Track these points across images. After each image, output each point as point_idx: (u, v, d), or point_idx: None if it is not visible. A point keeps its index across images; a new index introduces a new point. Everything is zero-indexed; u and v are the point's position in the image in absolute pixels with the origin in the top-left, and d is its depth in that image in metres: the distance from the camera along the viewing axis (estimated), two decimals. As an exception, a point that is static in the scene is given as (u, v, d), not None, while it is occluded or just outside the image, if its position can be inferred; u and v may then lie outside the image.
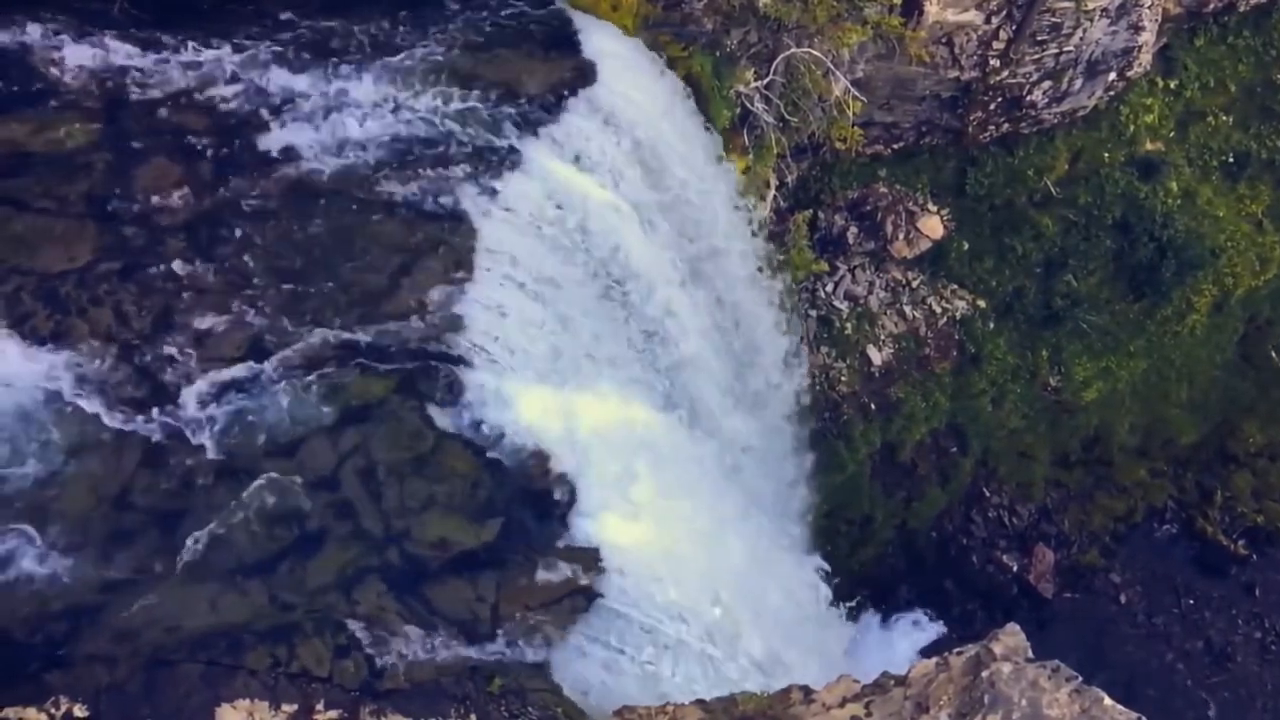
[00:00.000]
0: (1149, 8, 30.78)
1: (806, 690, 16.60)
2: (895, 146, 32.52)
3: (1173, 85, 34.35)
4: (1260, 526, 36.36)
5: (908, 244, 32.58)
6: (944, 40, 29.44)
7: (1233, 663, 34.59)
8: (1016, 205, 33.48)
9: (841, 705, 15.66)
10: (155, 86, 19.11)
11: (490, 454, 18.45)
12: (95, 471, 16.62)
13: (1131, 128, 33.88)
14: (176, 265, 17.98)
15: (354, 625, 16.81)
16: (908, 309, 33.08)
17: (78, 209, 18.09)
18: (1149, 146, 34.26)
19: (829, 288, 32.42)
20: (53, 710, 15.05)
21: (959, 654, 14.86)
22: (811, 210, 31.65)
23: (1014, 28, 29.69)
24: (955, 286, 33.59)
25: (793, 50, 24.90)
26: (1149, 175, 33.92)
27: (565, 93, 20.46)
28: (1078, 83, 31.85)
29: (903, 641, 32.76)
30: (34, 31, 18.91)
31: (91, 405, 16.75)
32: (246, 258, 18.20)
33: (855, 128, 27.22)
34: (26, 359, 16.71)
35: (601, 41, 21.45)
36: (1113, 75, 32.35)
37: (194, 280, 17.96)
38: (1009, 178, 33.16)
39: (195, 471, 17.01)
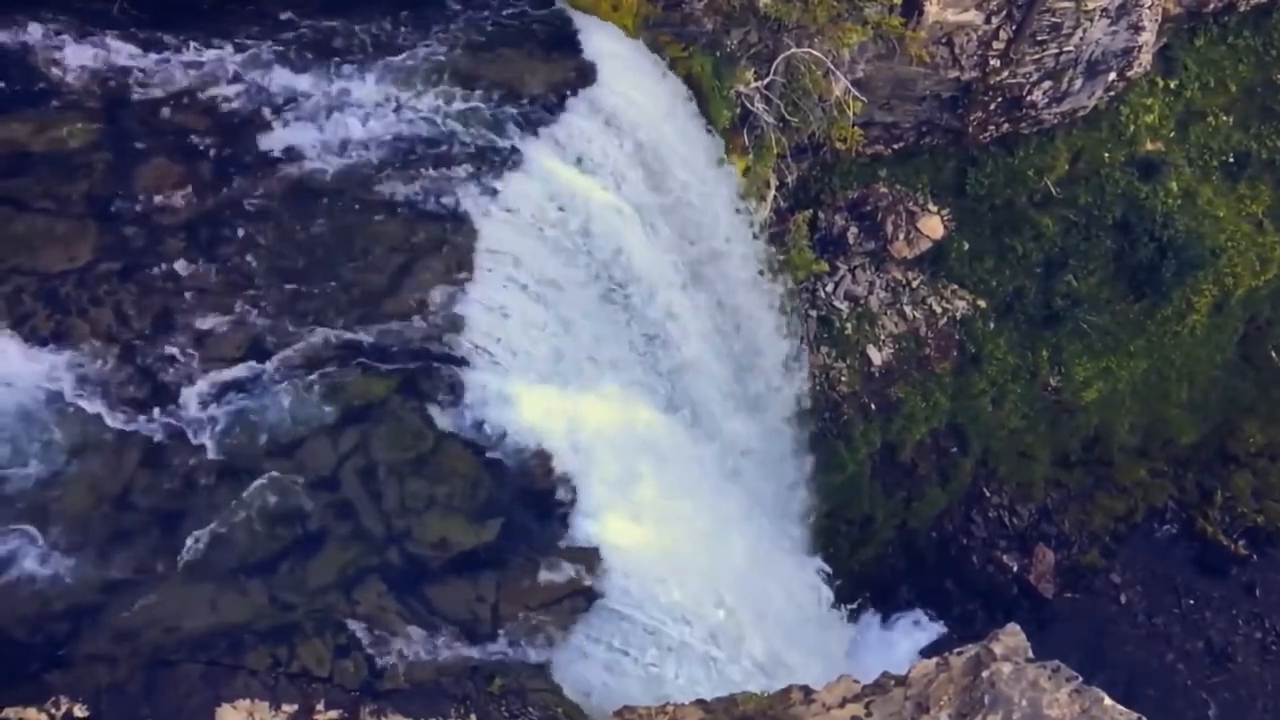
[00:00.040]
0: (1149, 8, 30.78)
1: (807, 690, 16.60)
2: (895, 146, 32.52)
3: (1173, 85, 34.35)
4: (1260, 526, 36.35)
5: (908, 244, 32.59)
6: (944, 40, 29.44)
7: (1233, 663, 34.59)
8: (1017, 205, 33.49)
9: (841, 705, 15.66)
10: (156, 86, 19.12)
11: (491, 454, 18.44)
12: (96, 471, 16.62)
13: (1132, 128, 33.88)
14: (177, 265, 17.98)
15: (354, 625, 16.80)
16: (908, 309, 33.09)
17: (78, 209, 18.09)
18: (1149, 146, 34.27)
19: (829, 288, 32.42)
20: (53, 710, 15.05)
21: (959, 654, 14.86)
22: (812, 210, 31.66)
23: (1014, 28, 29.69)
24: (955, 286, 33.59)
25: (793, 50, 24.90)
26: (1149, 175, 33.93)
27: (566, 93, 20.47)
28: (1078, 83, 31.85)
29: (903, 641, 32.76)
30: (34, 31, 18.91)
31: (92, 405, 16.76)
32: (247, 258, 18.20)
33: (855, 128, 27.21)
34: (27, 359, 16.71)
35: (602, 42, 21.46)
36: (1113, 75, 32.36)
37: (194, 280, 17.96)
38: (1009, 178, 33.16)
39: (196, 471, 17.01)
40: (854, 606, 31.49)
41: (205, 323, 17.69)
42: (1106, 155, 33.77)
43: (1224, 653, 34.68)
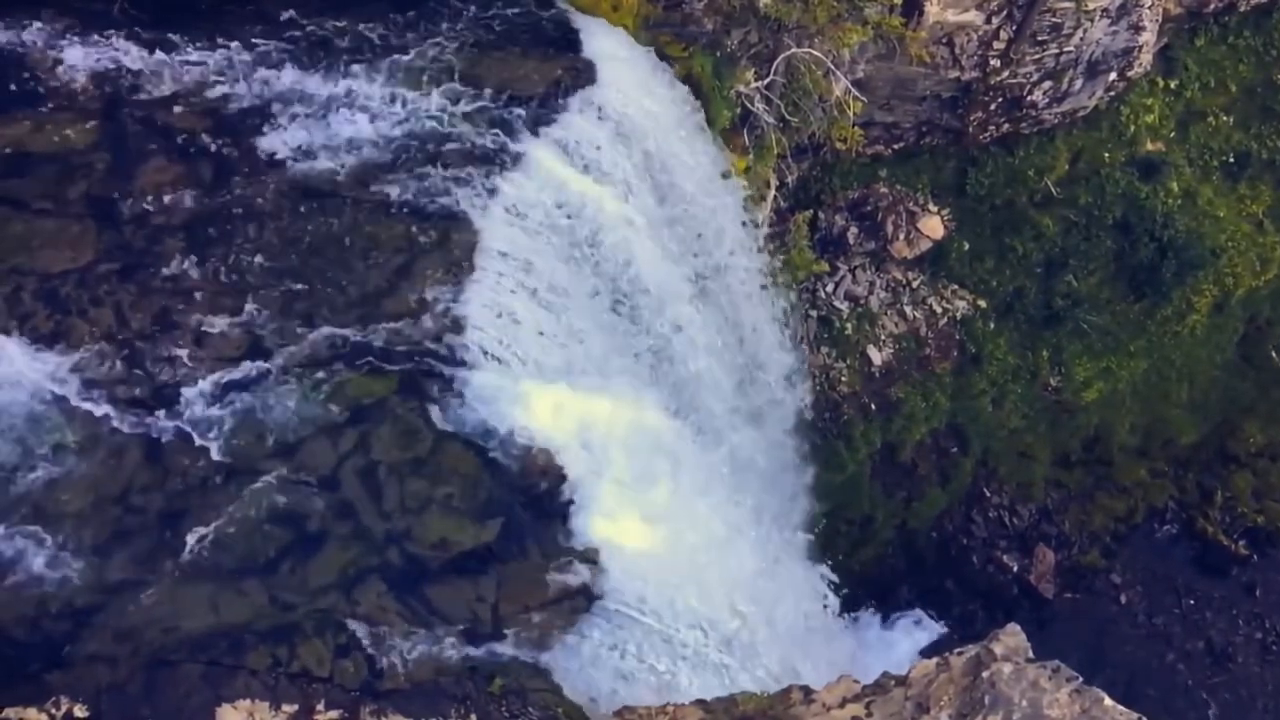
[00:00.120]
0: (1149, 8, 30.78)
1: (807, 690, 16.59)
2: (896, 146, 32.52)
3: (1173, 85, 34.35)
4: (1261, 527, 36.33)
5: (908, 244, 32.58)
6: (944, 40, 29.44)
7: (1233, 663, 34.58)
8: (1017, 205, 33.48)
9: (842, 705, 15.66)
10: (156, 86, 19.12)
11: (492, 454, 18.41)
12: (96, 471, 16.62)
13: (1132, 128, 33.88)
14: (176, 265, 17.99)
15: (354, 625, 16.80)
16: (908, 309, 33.08)
17: (78, 209, 18.09)
18: (1149, 146, 34.26)
19: (829, 288, 32.42)
20: (53, 710, 15.05)
21: (959, 654, 14.86)
22: (812, 210, 31.66)
23: (1014, 28, 29.69)
24: (956, 286, 33.58)
25: (793, 50, 24.89)
26: (1149, 175, 33.92)
27: (566, 93, 20.43)
28: (1078, 83, 31.85)
29: (903, 641, 32.73)
30: (34, 31, 18.91)
31: (92, 405, 16.76)
32: (247, 258, 18.19)
33: (855, 128, 27.22)
34: (29, 360, 16.70)
35: (602, 42, 21.43)
36: (1113, 75, 32.35)
37: (194, 280, 17.96)
38: (1009, 178, 33.16)
39: (196, 471, 17.00)
40: (857, 615, 31.58)
41: (205, 323, 17.68)
42: (1107, 155, 33.76)
43: (1224, 653, 34.67)
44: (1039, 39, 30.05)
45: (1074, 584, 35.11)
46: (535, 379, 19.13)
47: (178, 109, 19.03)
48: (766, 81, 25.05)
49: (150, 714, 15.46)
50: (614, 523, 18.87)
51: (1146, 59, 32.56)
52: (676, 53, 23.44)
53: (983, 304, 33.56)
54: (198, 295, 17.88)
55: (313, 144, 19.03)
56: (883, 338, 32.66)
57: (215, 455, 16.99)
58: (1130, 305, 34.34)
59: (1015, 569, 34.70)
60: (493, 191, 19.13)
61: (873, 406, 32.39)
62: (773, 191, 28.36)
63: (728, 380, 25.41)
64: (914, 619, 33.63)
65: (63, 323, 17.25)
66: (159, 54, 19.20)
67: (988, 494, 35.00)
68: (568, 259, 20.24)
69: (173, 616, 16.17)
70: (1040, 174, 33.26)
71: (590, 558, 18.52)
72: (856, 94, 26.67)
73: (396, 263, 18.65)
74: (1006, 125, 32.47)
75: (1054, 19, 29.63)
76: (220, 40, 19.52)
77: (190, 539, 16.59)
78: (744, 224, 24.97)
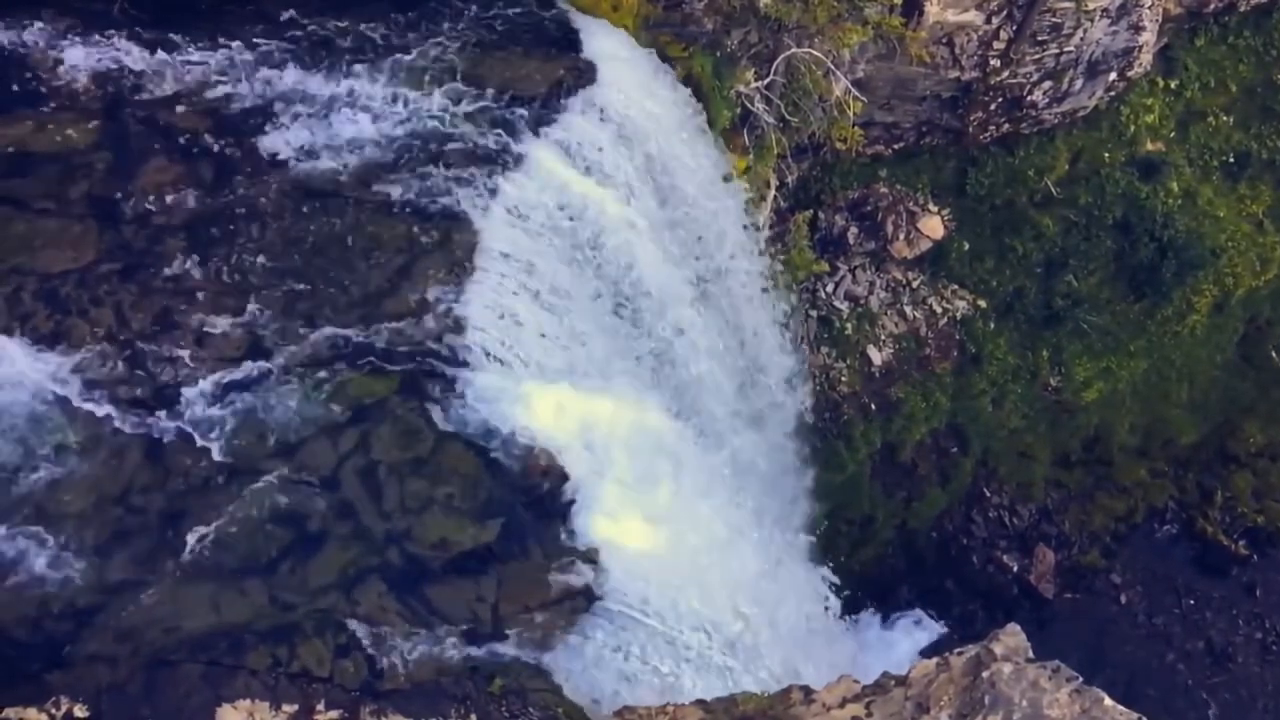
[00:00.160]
0: (1149, 8, 30.79)
1: (807, 690, 16.59)
2: (896, 146, 32.52)
3: (1173, 85, 34.35)
4: (1261, 527, 36.33)
5: (908, 244, 32.59)
6: (944, 40, 29.44)
7: (1233, 663, 34.58)
8: (1017, 205, 33.49)
9: (842, 705, 15.66)
10: (156, 86, 19.11)
11: (493, 454, 18.40)
12: (98, 472, 16.62)
13: (1132, 128, 33.88)
14: (177, 265, 17.98)
15: (354, 625, 16.80)
16: (908, 309, 33.09)
17: (78, 209, 18.09)
18: (1149, 147, 34.27)
19: (829, 288, 32.42)
20: (53, 710, 15.05)
21: (960, 654, 14.86)
22: (812, 210, 31.67)
23: (1014, 28, 29.69)
24: (956, 286, 33.59)
25: (793, 50, 24.89)
26: (1149, 175, 33.92)
27: (569, 94, 20.42)
28: (1078, 83, 31.85)
29: (903, 641, 32.74)
30: (34, 31, 18.91)
31: (91, 405, 16.75)
32: (247, 258, 18.19)
33: (855, 128, 27.22)
34: (31, 360, 16.70)
35: (602, 42, 21.42)
36: (1113, 75, 32.35)
37: (195, 280, 17.96)
38: (1009, 178, 33.16)
39: (196, 471, 17.00)
40: (858, 615, 31.55)
41: (206, 323, 17.68)
42: (1107, 155, 33.77)
43: (1224, 653, 34.67)
44: (1039, 39, 30.05)
45: (1074, 584, 35.12)
46: (537, 379, 19.12)
47: (179, 109, 19.03)
48: (766, 81, 25.06)
49: (150, 714, 15.46)
50: (616, 523, 18.86)
51: (1146, 59, 32.57)
52: (676, 53, 23.44)
53: (983, 304, 33.57)
54: (199, 295, 17.88)
55: (314, 144, 19.03)
56: (883, 338, 32.67)
57: (216, 455, 16.98)
58: (1130, 305, 34.35)
59: (1015, 569, 34.71)
60: (494, 192, 19.12)
61: (873, 406, 32.40)
62: (773, 191, 28.37)
63: (729, 384, 25.41)
64: (914, 619, 33.63)
65: (63, 323, 17.25)
66: (160, 54, 19.19)
67: (988, 494, 35.01)
68: (570, 261, 20.24)
69: (173, 616, 16.17)
70: (1040, 174, 33.26)
71: (591, 558, 18.52)
72: (856, 94, 26.67)
73: (398, 263, 18.64)
74: (1006, 125, 32.48)
75: (1054, 19, 29.63)
76: (221, 40, 19.51)
77: (191, 539, 16.59)
78: (745, 227, 24.96)
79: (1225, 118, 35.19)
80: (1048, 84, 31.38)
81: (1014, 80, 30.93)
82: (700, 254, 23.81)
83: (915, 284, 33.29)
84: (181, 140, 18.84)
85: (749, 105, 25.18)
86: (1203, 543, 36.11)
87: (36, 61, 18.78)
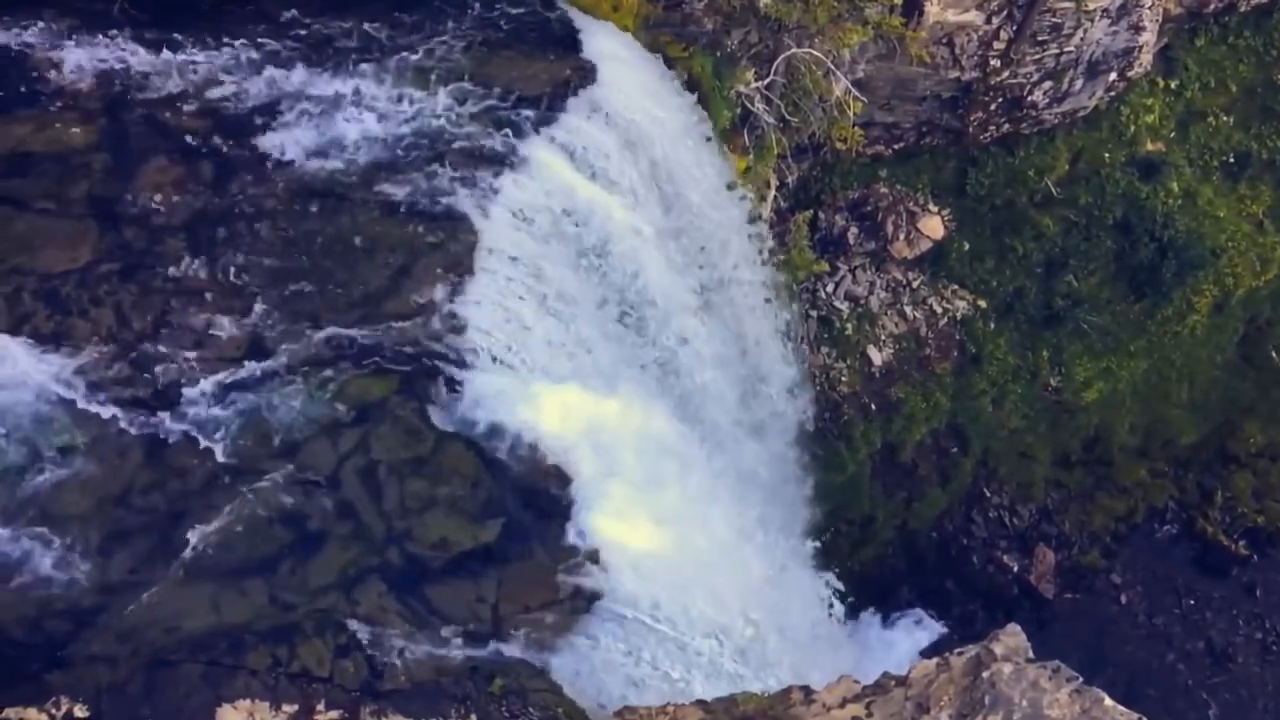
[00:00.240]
0: (1149, 8, 30.79)
1: (807, 690, 16.57)
2: (896, 147, 32.53)
3: (1173, 85, 34.35)
4: (1261, 527, 36.32)
5: (908, 244, 32.59)
6: (944, 40, 29.44)
7: (1234, 663, 34.57)
8: (1017, 205, 33.49)
9: (842, 706, 15.64)
10: (156, 87, 19.13)
11: (494, 454, 18.39)
12: (97, 472, 16.62)
13: (1132, 128, 33.88)
14: (177, 266, 17.98)
15: (354, 625, 16.79)
16: (908, 309, 33.08)
17: (78, 209, 18.10)
18: (1150, 147, 34.27)
19: (829, 288, 32.42)
20: (53, 710, 15.04)
21: (960, 654, 14.85)
22: (812, 210, 31.67)
23: (1014, 28, 29.69)
24: (956, 287, 33.59)
25: (793, 50, 24.90)
26: (1150, 175, 33.92)
27: (573, 94, 20.40)
28: (1078, 83, 31.85)
29: (903, 642, 32.72)
30: (34, 31, 18.92)
31: (92, 406, 16.76)
32: (247, 258, 18.19)
33: (856, 128, 27.23)
34: (34, 361, 16.70)
35: (602, 43, 21.42)
36: (1113, 75, 32.36)
37: (194, 280, 17.97)
38: (1009, 178, 33.16)
39: (196, 471, 17.00)
40: (858, 616, 31.50)
41: (205, 323, 17.68)
42: (1107, 155, 33.77)
43: (1224, 653, 34.66)
44: (1039, 39, 30.05)
45: (1074, 584, 35.11)
46: (539, 380, 19.09)
47: (179, 109, 19.03)
48: (766, 81, 25.07)
49: (150, 714, 15.45)
50: (624, 524, 18.79)
51: (1147, 59, 32.57)
52: (676, 53, 23.45)
53: (983, 304, 33.57)
54: (199, 295, 17.88)
55: (315, 144, 19.03)
56: (883, 338, 32.67)
57: (220, 456, 16.98)
58: (1130, 305, 34.34)
59: (1015, 569, 34.70)
60: (498, 192, 19.11)
61: (873, 406, 32.40)
62: (773, 191, 28.37)
63: (731, 393, 25.39)
64: (914, 619, 33.62)
65: (63, 323, 17.26)
66: (160, 54, 19.20)
67: (988, 494, 35.01)
68: (576, 267, 20.22)
69: (174, 616, 16.17)
70: (1040, 174, 33.26)
71: (592, 558, 18.51)
72: (856, 94, 26.68)
73: (400, 263, 18.64)
74: (1007, 125, 32.48)
75: (1054, 19, 29.64)
76: (221, 40, 19.53)
77: (190, 539, 16.59)
78: (749, 237, 24.94)
79: (1225, 118, 35.19)
80: (1048, 84, 31.38)
81: (1014, 80, 30.93)
82: (704, 263, 23.80)
83: (915, 284, 33.29)
84: (182, 140, 18.85)
85: (749, 105, 25.19)
86: (1203, 543, 36.10)
87: (37, 61, 18.79)
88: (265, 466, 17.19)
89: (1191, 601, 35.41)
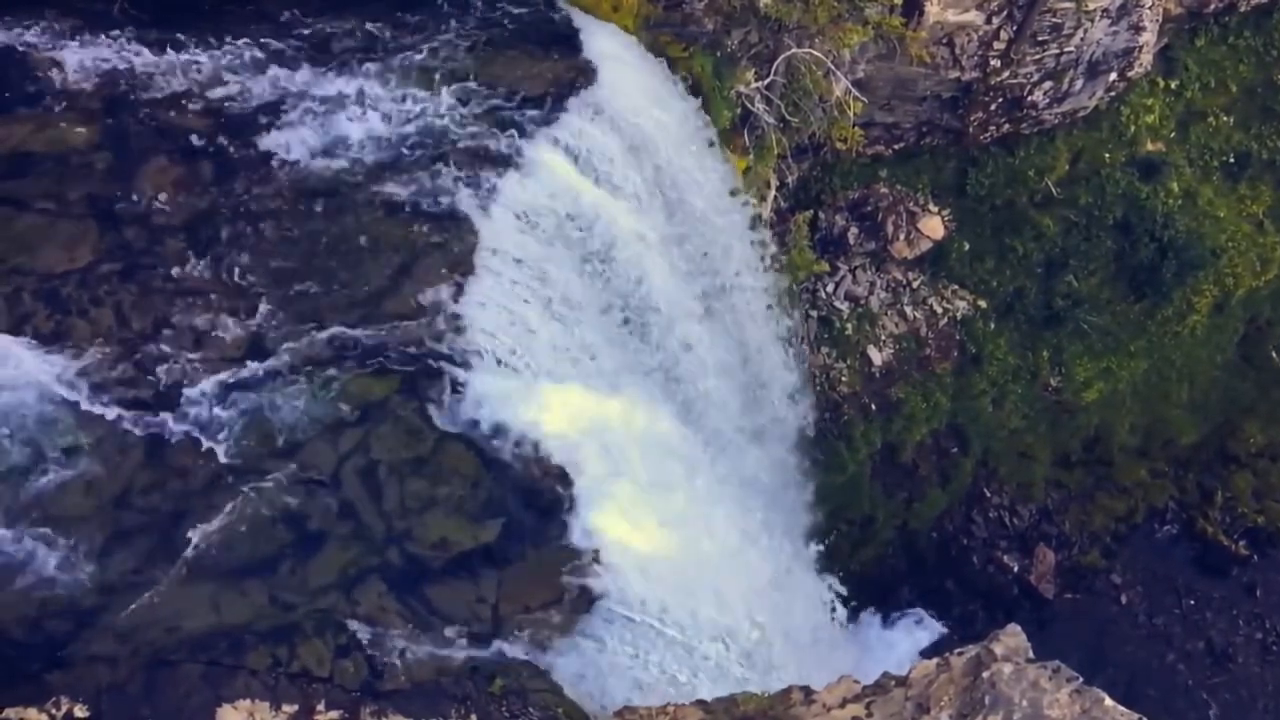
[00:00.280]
0: (1150, 8, 30.79)
1: (807, 690, 16.57)
2: (896, 147, 32.53)
3: (1173, 85, 34.36)
4: (1261, 527, 36.33)
5: (908, 244, 32.59)
6: (945, 41, 29.44)
7: (1234, 663, 34.58)
8: (1017, 206, 33.49)
9: (842, 706, 15.64)
10: (156, 87, 19.11)
11: (495, 454, 18.37)
12: (97, 472, 16.61)
13: (1132, 128, 33.89)
14: (177, 266, 17.97)
15: (355, 625, 16.78)
16: (908, 309, 33.09)
17: (78, 209, 18.08)
18: (1150, 147, 34.27)
19: (830, 288, 32.42)
20: (53, 710, 15.04)
21: (960, 654, 14.84)
22: (812, 210, 31.67)
23: (1015, 28, 29.69)
24: (956, 287, 33.59)
25: (793, 51, 24.90)
26: (1150, 176, 33.93)
27: (574, 95, 20.39)
28: (1078, 83, 31.85)
29: (904, 642, 32.73)
30: (35, 32, 18.91)
31: (96, 407, 16.75)
32: (248, 258, 18.18)
33: (856, 128, 27.22)
34: (38, 362, 16.69)
35: (605, 45, 21.39)
36: (1113, 75, 32.36)
37: (195, 281, 17.95)
38: (1010, 178, 33.17)
39: (196, 471, 16.99)
40: (858, 616, 31.47)
41: (206, 323, 17.67)
42: (1107, 155, 33.77)
43: (1225, 653, 34.67)
44: (1039, 39, 30.05)
45: (1074, 584, 35.12)
46: (541, 381, 19.05)
47: (181, 108, 19.02)
48: (767, 82, 25.06)
49: (150, 714, 15.45)
50: (629, 525, 18.75)
51: (1147, 59, 32.57)
52: (676, 53, 23.44)
53: (983, 304, 33.57)
54: (198, 296, 17.87)
55: (319, 143, 19.02)
56: (883, 338, 32.67)
57: (222, 456, 16.97)
58: (1130, 305, 34.35)
59: (1015, 569, 34.70)
60: (497, 192, 19.10)
61: (873, 407, 32.40)
62: (773, 192, 28.38)
63: (734, 400, 25.38)
64: (914, 619, 33.63)
65: (63, 323, 17.24)
66: (161, 54, 19.19)
67: (988, 494, 35.01)
68: (580, 272, 20.21)
69: (174, 616, 16.16)
70: (1040, 174, 33.27)
71: (594, 559, 18.50)
72: (857, 94, 26.68)
73: (402, 263, 18.63)
74: (1007, 125, 32.48)
75: (1054, 19, 29.63)
76: (223, 40, 19.52)
77: (190, 539, 16.58)
78: (751, 243, 24.94)
79: (1225, 118, 35.19)
80: (1048, 84, 31.38)
81: (1014, 80, 30.93)
82: (706, 270, 23.79)
83: (915, 284, 33.29)
84: (183, 140, 18.84)
85: (749, 105, 25.19)
86: (1203, 543, 36.11)
87: (38, 61, 18.78)
88: (267, 466, 17.18)
89: (1191, 601, 35.41)
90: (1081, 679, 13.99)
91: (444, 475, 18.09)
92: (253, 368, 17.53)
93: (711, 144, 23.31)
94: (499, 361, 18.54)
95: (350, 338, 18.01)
